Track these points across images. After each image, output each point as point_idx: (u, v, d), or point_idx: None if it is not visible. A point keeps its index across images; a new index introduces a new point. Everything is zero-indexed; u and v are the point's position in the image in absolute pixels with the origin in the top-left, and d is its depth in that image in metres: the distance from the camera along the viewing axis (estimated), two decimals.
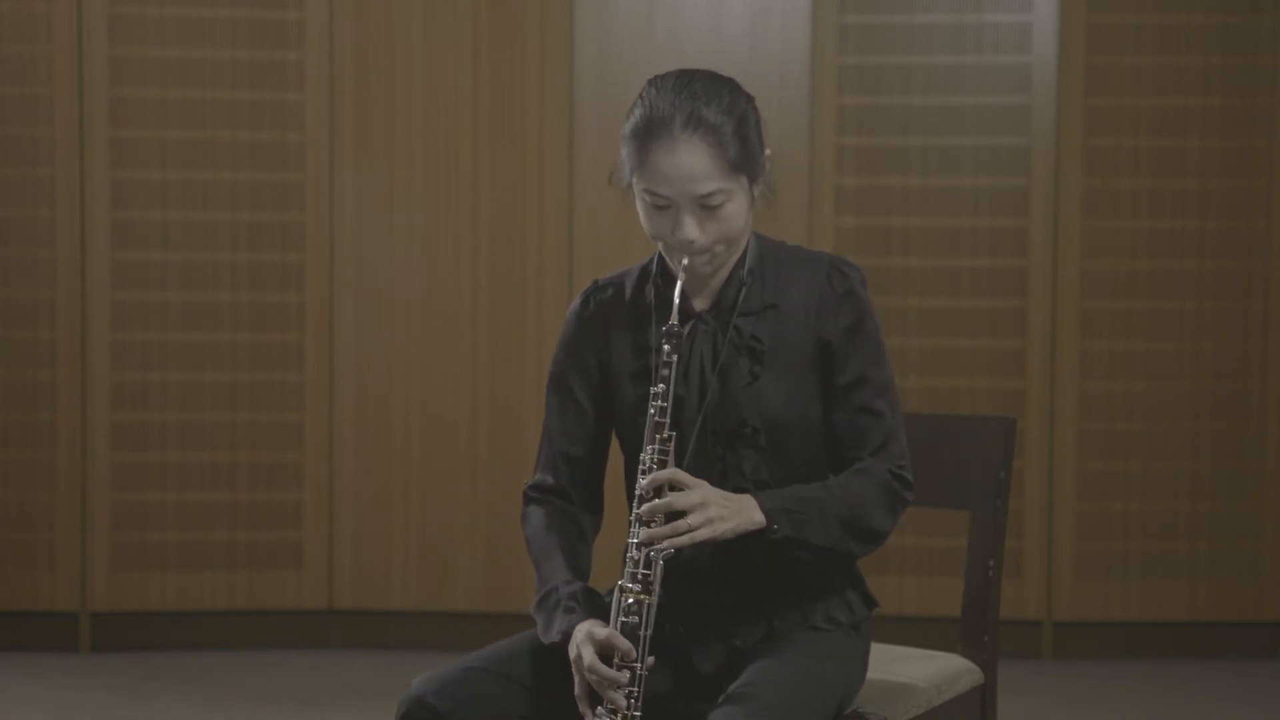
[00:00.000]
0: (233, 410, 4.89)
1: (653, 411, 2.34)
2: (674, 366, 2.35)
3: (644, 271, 2.53)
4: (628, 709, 2.27)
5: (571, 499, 2.52)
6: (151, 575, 4.88)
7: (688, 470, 2.37)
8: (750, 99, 2.43)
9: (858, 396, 2.42)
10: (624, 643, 2.28)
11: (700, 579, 2.46)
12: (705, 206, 2.36)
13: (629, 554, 2.31)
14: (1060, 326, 4.84)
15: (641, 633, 2.29)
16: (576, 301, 2.56)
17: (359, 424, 4.91)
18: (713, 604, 2.45)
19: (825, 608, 2.46)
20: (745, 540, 2.36)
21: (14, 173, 4.82)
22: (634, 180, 2.40)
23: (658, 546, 2.30)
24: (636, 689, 2.28)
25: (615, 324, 2.50)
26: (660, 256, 2.48)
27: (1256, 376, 4.85)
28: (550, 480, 2.53)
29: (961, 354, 4.85)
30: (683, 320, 2.41)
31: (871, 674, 2.57)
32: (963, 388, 4.84)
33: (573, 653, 2.31)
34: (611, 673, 2.27)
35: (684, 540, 2.29)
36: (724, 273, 2.45)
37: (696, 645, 2.45)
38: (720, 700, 2.30)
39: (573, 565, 2.44)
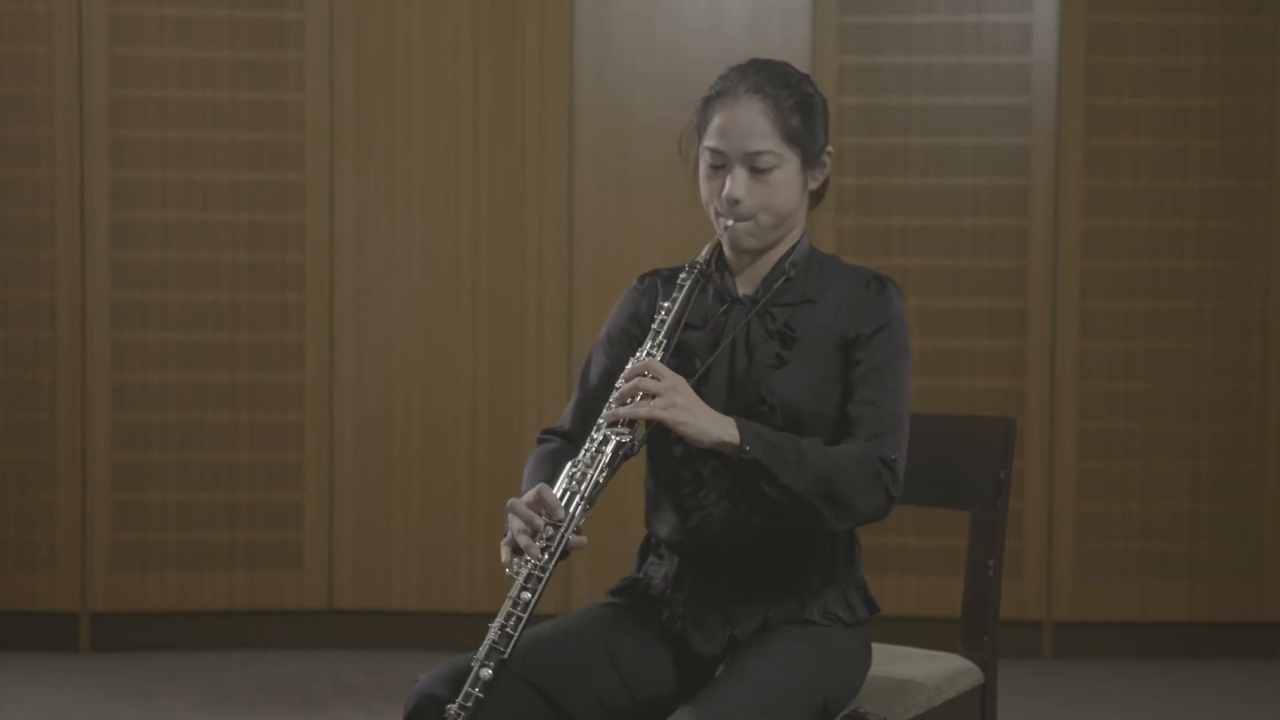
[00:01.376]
0: (233, 410, 4.89)
1: (654, 322, 2.41)
2: (685, 290, 2.43)
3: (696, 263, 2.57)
4: (540, 561, 2.28)
5: (578, 445, 2.54)
6: (151, 575, 4.88)
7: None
8: (823, 96, 2.53)
9: (864, 389, 2.44)
10: (552, 498, 2.30)
11: (704, 566, 2.48)
12: (755, 169, 2.44)
13: (591, 434, 2.36)
14: (1060, 326, 4.84)
15: (577, 501, 2.31)
16: (635, 281, 2.64)
17: (359, 424, 4.91)
18: (713, 591, 2.47)
19: (824, 602, 2.47)
20: (749, 531, 2.38)
21: (14, 173, 4.82)
22: (699, 145, 2.50)
23: (617, 429, 2.33)
24: (554, 546, 2.29)
25: (662, 300, 2.54)
26: (717, 245, 2.52)
27: (1256, 376, 4.85)
28: (566, 426, 2.59)
29: (961, 354, 4.85)
30: (721, 302, 2.50)
31: (871, 673, 2.58)
32: (963, 388, 4.84)
33: (509, 500, 2.35)
34: (529, 514, 2.30)
35: (644, 412, 2.31)
36: (770, 260, 2.52)
37: (695, 630, 2.47)
38: (699, 693, 2.31)
39: (554, 481, 2.43)
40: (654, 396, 2.32)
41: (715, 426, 2.32)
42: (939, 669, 2.69)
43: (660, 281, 2.59)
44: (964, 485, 2.77)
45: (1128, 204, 4.84)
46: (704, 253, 2.47)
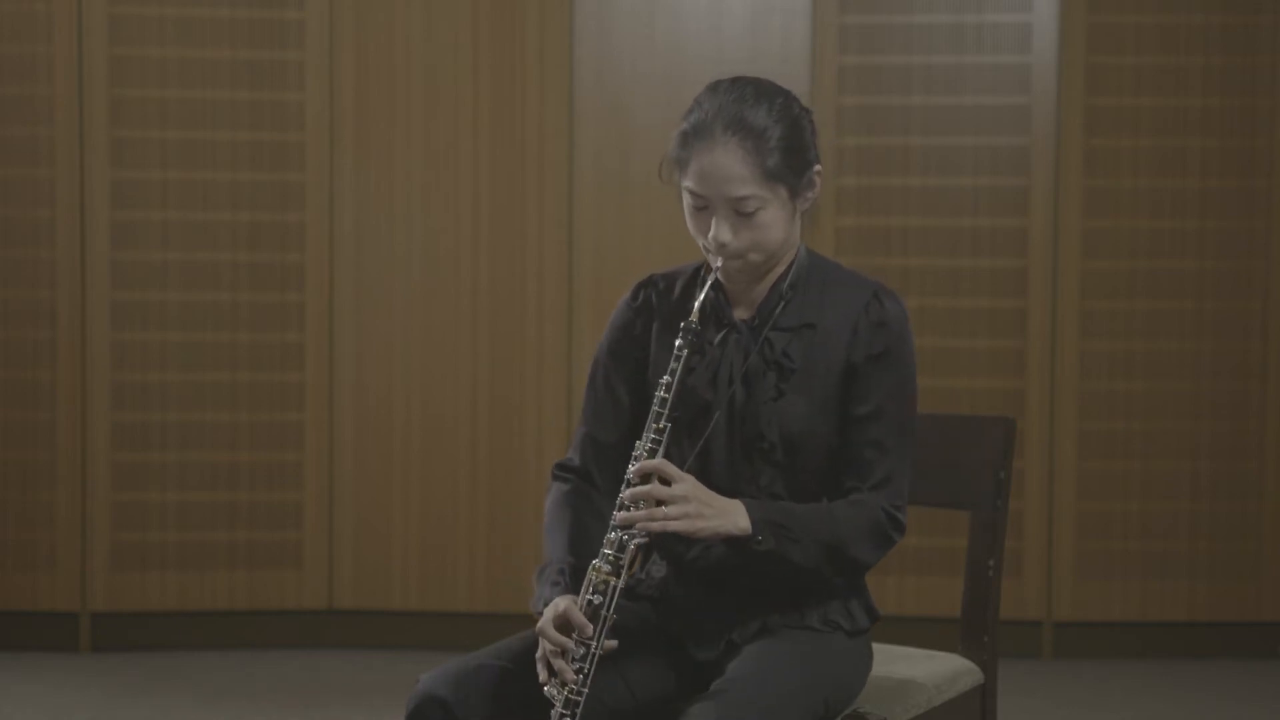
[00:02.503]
0: (233, 410, 4.89)
1: (655, 401, 2.37)
2: (682, 361, 2.37)
3: (697, 271, 2.55)
4: (576, 683, 2.29)
5: (595, 482, 2.54)
6: (151, 575, 4.88)
7: (714, 477, 2.42)
8: (806, 111, 2.46)
9: (871, 429, 2.42)
10: (579, 618, 2.30)
11: (706, 574, 2.47)
12: (740, 212, 2.38)
13: (608, 535, 2.34)
14: (1060, 326, 4.84)
15: (604, 613, 2.31)
16: (628, 292, 2.58)
17: (359, 424, 4.91)
18: (714, 598, 2.47)
19: (824, 611, 2.47)
20: (731, 548, 2.38)
21: (14, 173, 4.82)
22: (679, 178, 2.44)
23: (632, 531, 2.32)
24: (587, 667, 2.29)
25: (660, 319, 2.52)
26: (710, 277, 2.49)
27: (1256, 376, 4.85)
28: (576, 461, 2.56)
29: (961, 354, 4.85)
30: (719, 328, 2.46)
31: (871, 674, 2.57)
32: (963, 388, 4.84)
33: (540, 621, 2.35)
34: (561, 638, 2.30)
35: (657, 527, 2.30)
36: (766, 284, 2.47)
37: (695, 637, 2.47)
38: (701, 695, 2.31)
39: (575, 542, 2.46)
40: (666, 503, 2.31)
41: (728, 523, 2.32)
42: (939, 669, 2.69)
43: (655, 295, 2.54)
44: (964, 485, 2.77)
45: (1128, 204, 4.84)
46: (695, 312, 2.40)
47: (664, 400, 2.36)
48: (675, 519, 2.30)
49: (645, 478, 2.34)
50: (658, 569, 2.54)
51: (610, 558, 2.32)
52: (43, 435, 4.85)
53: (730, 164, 2.37)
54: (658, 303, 2.53)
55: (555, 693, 2.30)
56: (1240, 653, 4.90)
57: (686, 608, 2.48)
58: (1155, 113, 4.82)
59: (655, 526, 2.30)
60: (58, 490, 4.86)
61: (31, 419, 4.85)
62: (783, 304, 2.46)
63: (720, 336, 2.46)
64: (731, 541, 2.35)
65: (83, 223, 4.83)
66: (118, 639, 4.90)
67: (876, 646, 2.66)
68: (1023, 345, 4.84)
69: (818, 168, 2.46)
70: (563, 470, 2.57)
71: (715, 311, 2.48)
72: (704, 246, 2.44)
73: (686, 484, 2.33)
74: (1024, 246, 4.83)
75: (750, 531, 2.33)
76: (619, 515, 2.33)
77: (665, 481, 2.34)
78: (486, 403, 4.91)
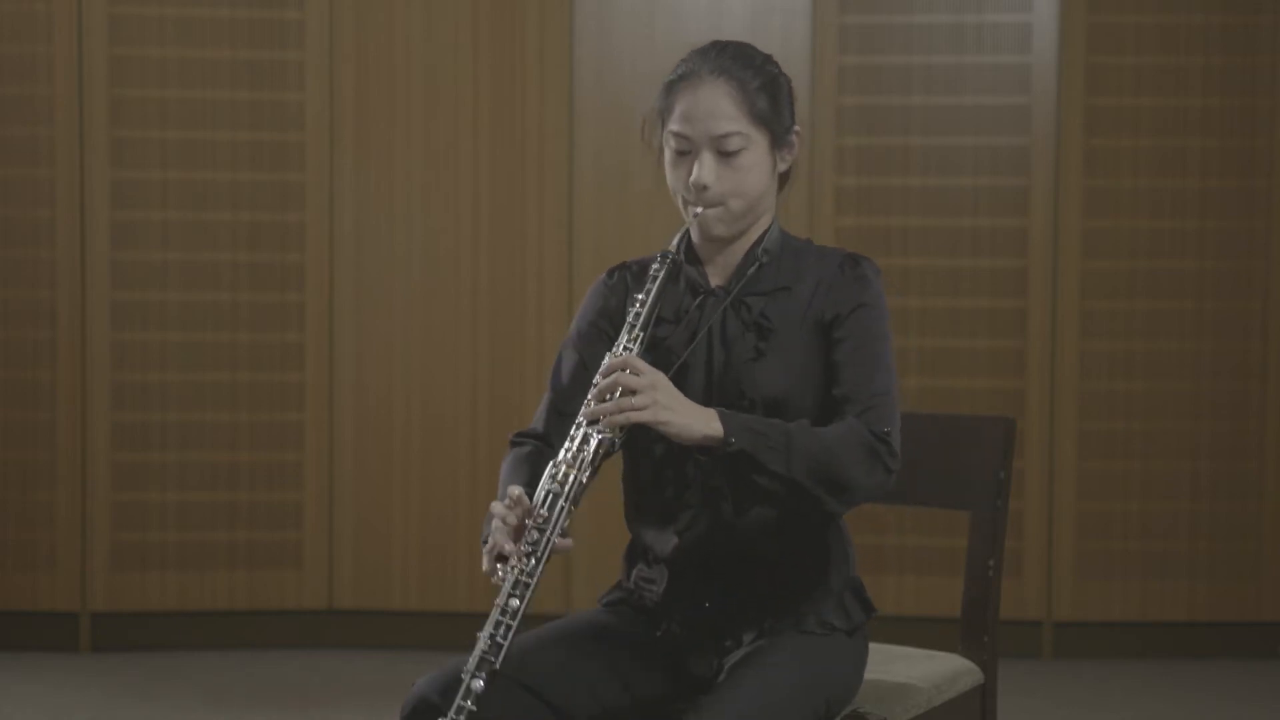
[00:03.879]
0: (233, 410, 4.89)
1: (629, 315, 2.36)
2: (659, 280, 2.38)
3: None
4: (522, 564, 2.24)
5: (554, 446, 2.49)
6: (151, 575, 4.88)
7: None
8: (787, 77, 2.48)
9: (851, 370, 2.40)
10: (528, 500, 2.26)
11: (698, 582, 2.45)
12: (723, 152, 2.39)
13: (570, 432, 2.30)
14: (1060, 326, 4.84)
15: (561, 503, 2.26)
16: (604, 274, 2.58)
17: (359, 424, 4.91)
18: (708, 607, 2.45)
19: (820, 612, 2.45)
20: (738, 535, 2.36)
21: (14, 173, 4.82)
22: (662, 131, 2.44)
23: (597, 425, 2.28)
24: (540, 551, 2.24)
25: (632, 296, 2.50)
26: (686, 235, 2.48)
27: (1256, 376, 4.85)
28: (539, 429, 2.53)
29: (961, 354, 4.85)
30: (694, 294, 2.45)
31: (871, 674, 2.57)
32: (963, 388, 4.84)
33: (491, 505, 2.31)
34: (505, 510, 2.26)
35: (623, 417, 2.26)
36: (741, 248, 2.47)
37: (690, 647, 2.45)
38: (700, 696, 2.30)
39: (532, 484, 2.39)
40: (633, 393, 2.26)
41: (698, 422, 2.27)
42: (939, 669, 2.69)
43: (630, 276, 2.53)
44: (964, 485, 2.77)
45: (1128, 204, 4.84)
46: (674, 241, 2.43)
47: (637, 314, 2.35)
48: (642, 408, 2.25)
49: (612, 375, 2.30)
50: (647, 582, 2.50)
51: (571, 451, 2.28)
52: (43, 435, 4.85)
53: (717, 100, 2.39)
54: (631, 282, 2.53)
55: (503, 573, 2.25)
56: (1240, 653, 4.90)
57: (682, 624, 2.46)
58: (1155, 113, 4.82)
59: (622, 418, 2.25)
60: (58, 490, 4.86)
61: (31, 419, 4.85)
62: (757, 266, 2.45)
63: (698, 301, 2.45)
64: (704, 448, 2.29)
65: (83, 223, 4.83)
66: (118, 639, 4.90)
67: (876, 647, 2.66)
68: (1023, 345, 4.84)
69: (797, 128, 2.48)
70: (521, 436, 2.53)
71: (689, 280, 2.46)
72: (683, 199, 2.43)
73: (653, 374, 2.29)
74: (1024, 246, 4.83)
75: (723, 434, 2.27)
76: (585, 410, 2.29)
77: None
78: (486, 403, 4.91)
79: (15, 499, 4.86)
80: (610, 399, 2.28)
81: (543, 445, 2.50)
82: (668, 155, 2.44)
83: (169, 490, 4.88)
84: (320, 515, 4.91)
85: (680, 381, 2.39)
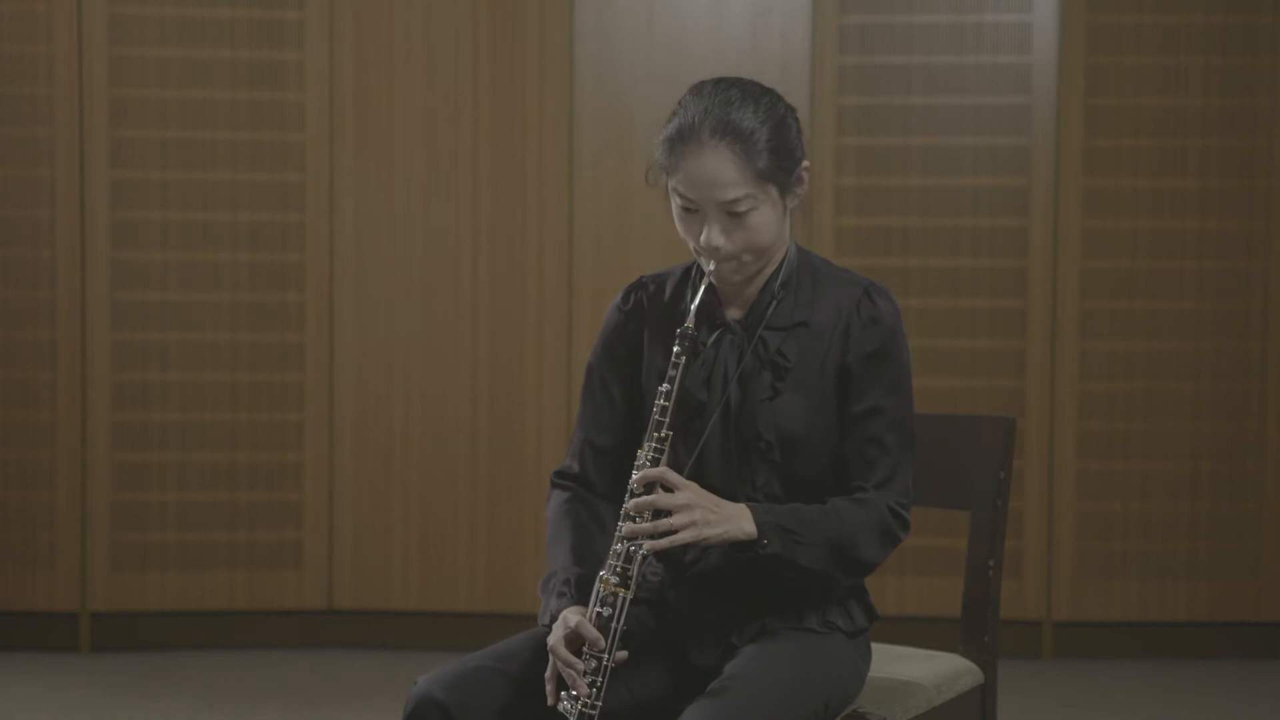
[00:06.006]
0: (233, 410, 4.89)
1: (655, 410, 2.36)
2: (681, 368, 2.36)
3: (687, 272, 2.54)
4: (589, 696, 2.28)
5: (594, 488, 2.53)
6: (151, 575, 4.88)
7: (710, 478, 2.40)
8: (791, 109, 2.44)
9: (869, 427, 2.42)
10: (591, 632, 2.29)
11: (703, 578, 2.46)
12: (731, 213, 2.37)
13: (614, 546, 2.33)
14: (1060, 326, 4.84)
15: (613, 625, 2.30)
16: (619, 296, 2.57)
17: (359, 424, 4.91)
18: (713, 602, 2.46)
19: (823, 612, 2.46)
20: (732, 555, 2.37)
21: (14, 173, 4.82)
22: (667, 181, 2.41)
23: (638, 542, 2.31)
24: (600, 679, 2.29)
25: (651, 322, 2.51)
26: (698, 269, 2.48)
27: (1256, 376, 4.85)
28: (575, 468, 2.55)
29: (961, 354, 4.85)
30: (712, 329, 2.44)
31: (871, 674, 2.57)
32: (963, 388, 4.84)
33: (550, 637, 2.34)
34: (571, 658, 2.29)
35: (665, 542, 2.29)
36: (758, 283, 2.46)
37: (693, 641, 2.46)
38: (700, 696, 2.31)
39: (579, 551, 2.45)
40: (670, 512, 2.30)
41: (732, 526, 2.31)
42: (939, 669, 2.69)
43: (646, 298, 2.53)
44: (964, 485, 2.77)
45: (1128, 204, 4.84)
46: (690, 316, 2.38)
47: (664, 409, 2.35)
48: (680, 529, 2.29)
49: (648, 487, 2.32)
50: (655, 574, 2.53)
51: (617, 569, 2.31)
52: (43, 435, 4.85)
53: (720, 168, 2.35)
54: (649, 305, 2.52)
55: (569, 706, 2.29)
56: (1240, 653, 4.90)
57: (685, 613, 2.47)
58: (1155, 113, 4.82)
59: (663, 543, 2.29)
60: (58, 490, 4.86)
61: (31, 419, 4.85)
62: (775, 302, 2.45)
63: (714, 337, 2.45)
64: (737, 546, 2.34)
65: (83, 223, 4.83)
66: (118, 639, 4.90)
67: (876, 647, 2.67)
68: (1023, 345, 4.84)
69: (806, 164, 2.45)
70: (561, 477, 2.56)
71: (708, 312, 2.46)
72: (695, 249, 2.43)
73: (689, 492, 2.32)
74: (1024, 246, 4.83)
75: (756, 536, 2.32)
76: (624, 527, 2.31)
77: (668, 489, 2.33)
78: (486, 403, 4.91)
79: (15, 499, 4.86)
80: (648, 518, 2.31)
81: (583, 490, 2.54)
82: (675, 208, 2.42)
83: (169, 490, 4.88)
84: (320, 515, 4.91)
85: (699, 423, 2.42)
